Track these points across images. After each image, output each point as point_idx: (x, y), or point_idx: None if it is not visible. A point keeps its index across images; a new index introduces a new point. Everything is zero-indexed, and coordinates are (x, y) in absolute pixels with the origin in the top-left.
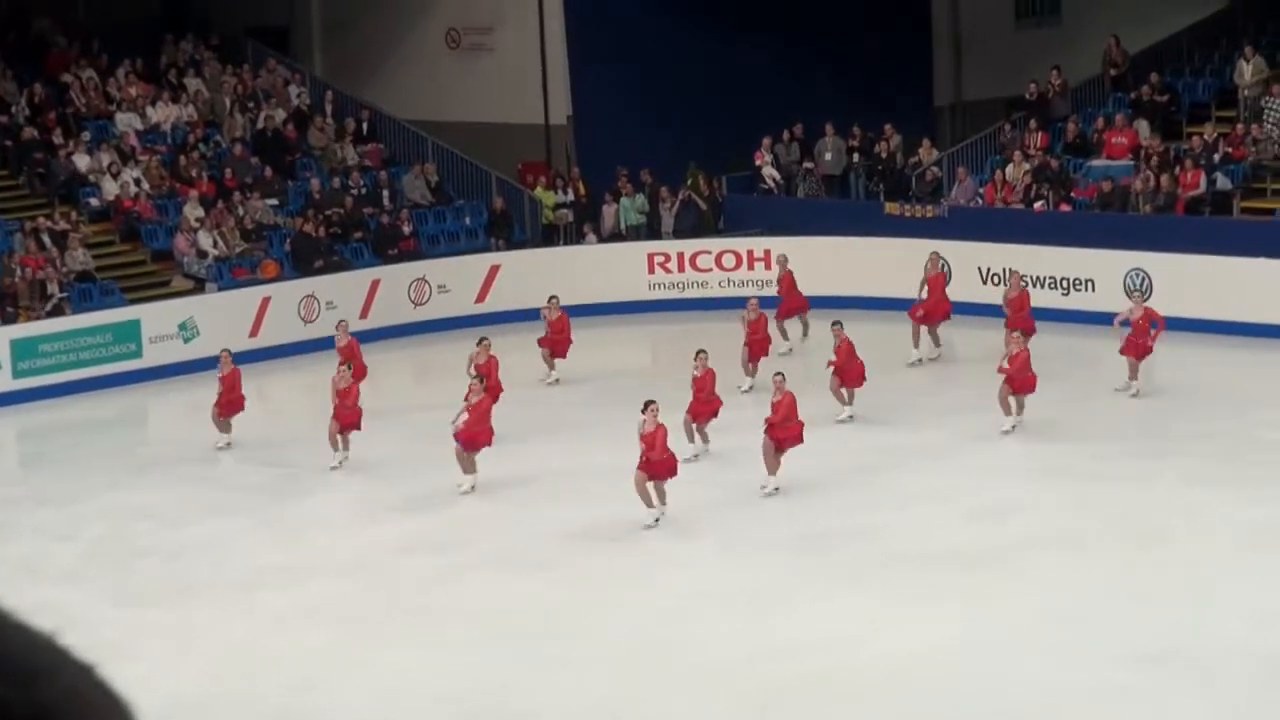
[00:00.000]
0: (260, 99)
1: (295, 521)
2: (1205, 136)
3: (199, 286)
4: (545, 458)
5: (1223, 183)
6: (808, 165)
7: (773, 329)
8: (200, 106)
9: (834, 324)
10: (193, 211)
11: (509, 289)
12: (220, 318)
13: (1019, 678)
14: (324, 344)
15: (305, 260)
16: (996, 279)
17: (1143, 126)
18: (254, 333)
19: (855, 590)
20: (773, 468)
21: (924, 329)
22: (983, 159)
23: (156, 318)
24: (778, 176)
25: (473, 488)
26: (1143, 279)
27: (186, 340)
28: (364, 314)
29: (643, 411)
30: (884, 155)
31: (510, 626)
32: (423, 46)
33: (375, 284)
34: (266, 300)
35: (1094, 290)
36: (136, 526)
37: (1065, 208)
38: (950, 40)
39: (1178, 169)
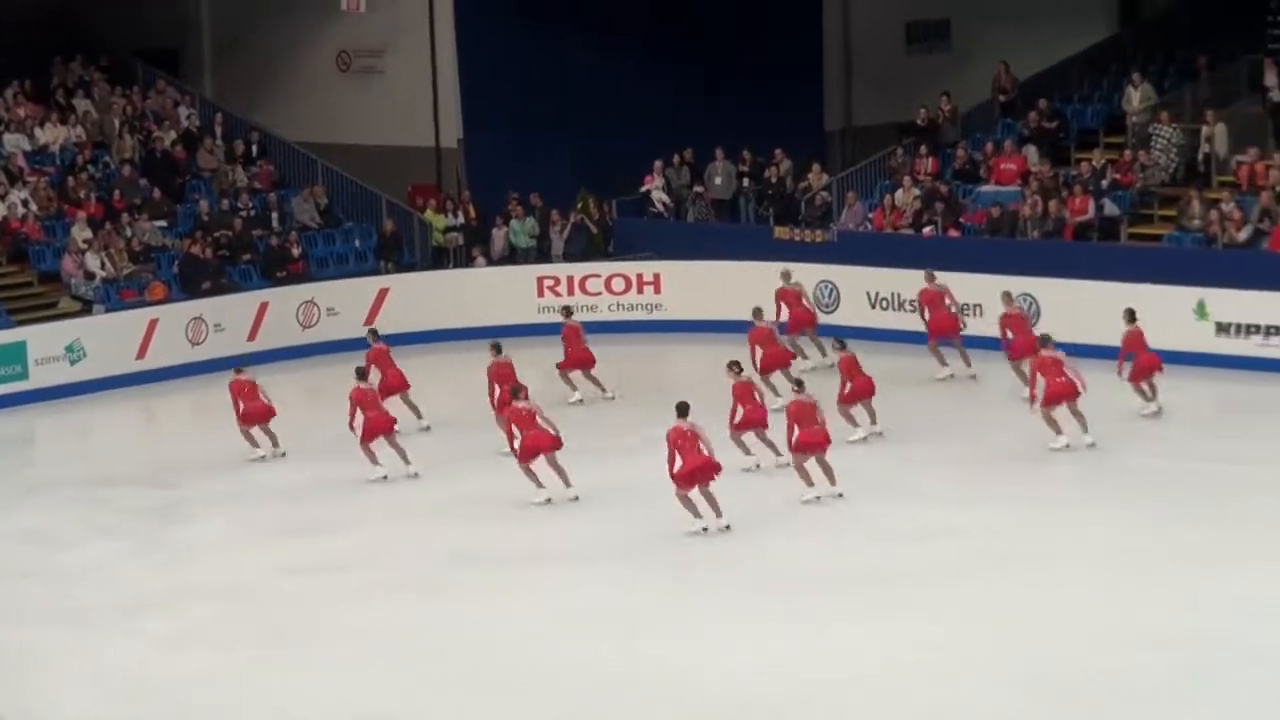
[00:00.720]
0: (150, 120)
1: (182, 545)
2: (1093, 163)
3: (86, 308)
4: (431, 479)
5: (1110, 209)
6: (698, 189)
7: (784, 343)
8: (89, 128)
9: (835, 340)
10: (80, 233)
11: (398, 312)
12: (108, 340)
13: (889, 703)
14: (211, 366)
15: (193, 282)
16: (885, 303)
17: (1031, 152)
18: (141, 355)
19: (740, 613)
20: (808, 479)
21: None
22: (872, 184)
23: (43, 339)
24: (668, 200)
25: (548, 500)
26: (1030, 304)
27: (73, 362)
28: (252, 336)
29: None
30: (774, 180)
31: (395, 649)
32: (313, 69)
33: (264, 306)
34: (154, 322)
35: (982, 315)
36: (22, 549)
37: (954, 233)
38: (841, 65)
39: (1066, 194)
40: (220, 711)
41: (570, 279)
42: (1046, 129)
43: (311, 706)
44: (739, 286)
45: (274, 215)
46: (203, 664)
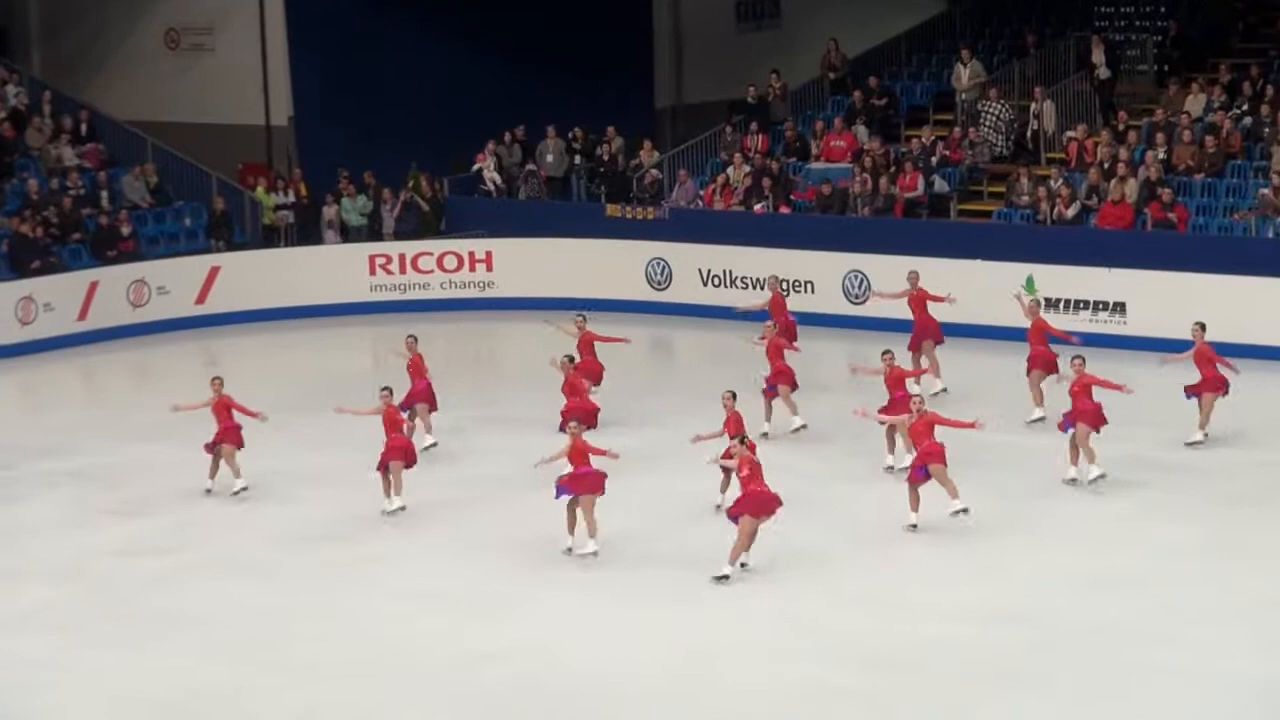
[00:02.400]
0: None
1: (8, 526)
2: (923, 139)
3: None
4: (260, 459)
5: (940, 185)
6: (530, 167)
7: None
8: None
9: (884, 353)
10: None
11: (229, 291)
12: None
13: (738, 680)
14: (41, 346)
15: (22, 262)
16: (717, 280)
17: (861, 130)
18: None
19: (574, 593)
20: (916, 503)
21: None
22: (704, 161)
23: None
24: (499, 180)
25: (564, 550)
26: (861, 281)
27: None
28: (82, 315)
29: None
30: (606, 157)
31: (229, 631)
32: (142, 47)
33: (94, 286)
34: None
35: (813, 292)
36: None
37: (785, 210)
38: (671, 42)
39: (896, 171)
40: (53, 692)
41: (402, 257)
42: (876, 106)
43: (144, 688)
44: (571, 264)
45: (104, 194)
46: (35, 646)
